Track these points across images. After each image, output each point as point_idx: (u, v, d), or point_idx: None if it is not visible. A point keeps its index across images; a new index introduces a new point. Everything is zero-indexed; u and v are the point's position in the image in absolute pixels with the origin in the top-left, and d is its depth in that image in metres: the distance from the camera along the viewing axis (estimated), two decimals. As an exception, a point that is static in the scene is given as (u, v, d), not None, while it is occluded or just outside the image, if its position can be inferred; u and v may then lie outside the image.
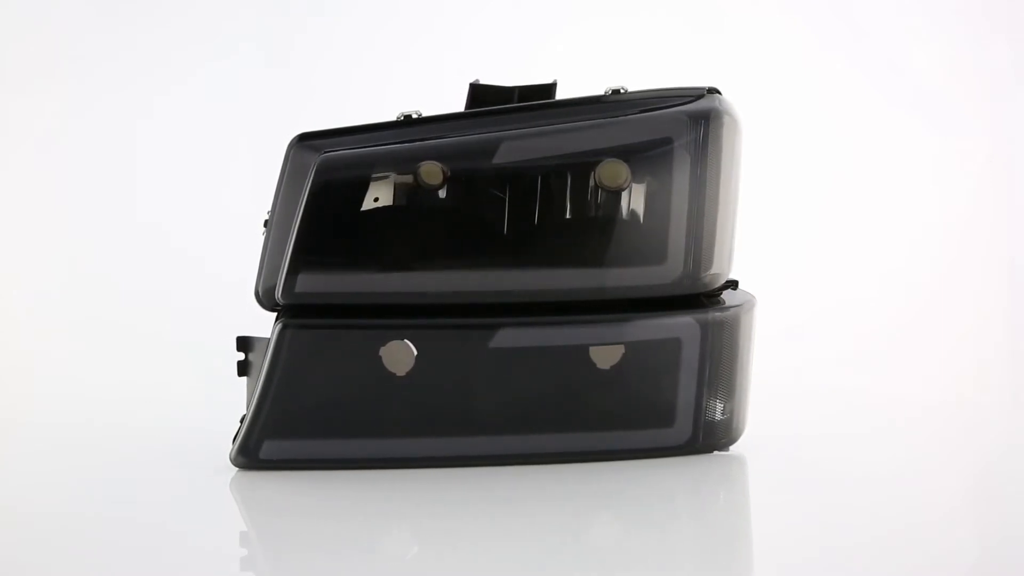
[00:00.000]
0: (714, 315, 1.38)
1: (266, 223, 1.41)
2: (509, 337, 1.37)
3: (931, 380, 2.41)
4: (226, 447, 1.41)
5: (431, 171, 1.37)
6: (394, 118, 1.41)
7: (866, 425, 1.73)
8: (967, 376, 2.45)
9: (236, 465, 1.39)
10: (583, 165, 1.37)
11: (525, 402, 1.38)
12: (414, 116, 1.40)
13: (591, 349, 1.37)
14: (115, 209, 2.53)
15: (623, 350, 1.37)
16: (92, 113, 2.54)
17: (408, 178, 1.38)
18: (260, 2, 2.66)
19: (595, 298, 1.37)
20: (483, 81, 1.47)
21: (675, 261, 1.36)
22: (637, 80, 1.44)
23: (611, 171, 1.36)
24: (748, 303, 1.44)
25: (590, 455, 1.38)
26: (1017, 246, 2.48)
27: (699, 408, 1.38)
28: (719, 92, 1.41)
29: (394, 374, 1.37)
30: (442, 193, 1.38)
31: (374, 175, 1.37)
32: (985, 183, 2.49)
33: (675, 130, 1.37)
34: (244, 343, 1.46)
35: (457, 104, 1.47)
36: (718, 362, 1.38)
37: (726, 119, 1.38)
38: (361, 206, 1.38)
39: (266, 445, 1.38)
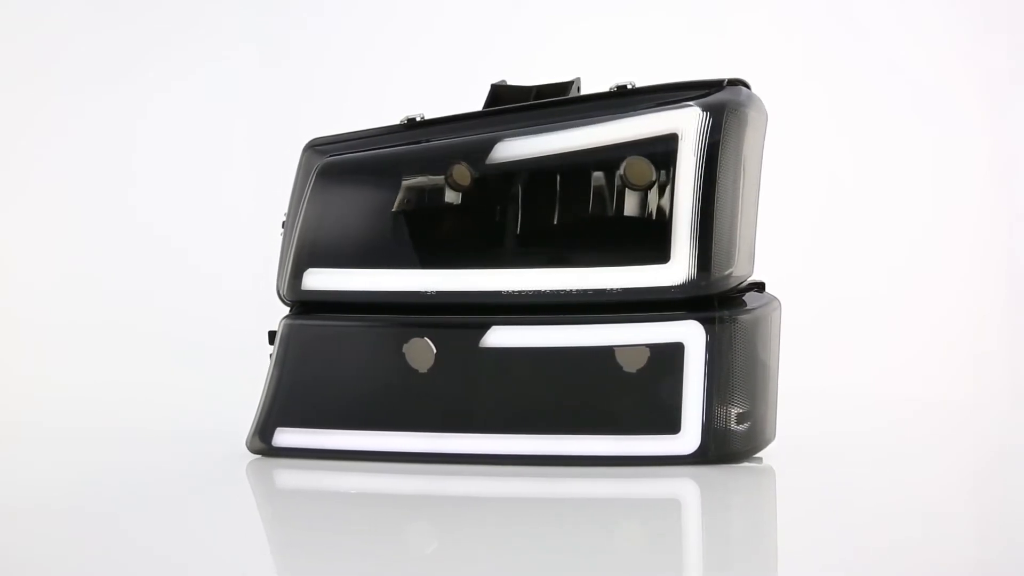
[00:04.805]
0: (723, 319, 1.33)
1: (283, 224, 1.46)
2: (501, 337, 1.37)
3: (930, 380, 2.42)
4: (242, 435, 1.47)
5: (462, 173, 1.38)
6: (397, 121, 1.43)
7: (868, 425, 1.73)
8: (966, 376, 2.46)
9: (252, 451, 1.45)
10: (587, 163, 1.36)
11: (523, 404, 1.37)
12: (418, 119, 1.42)
13: (617, 351, 1.35)
14: (113, 209, 2.52)
15: (649, 353, 1.34)
16: (90, 112, 2.54)
17: (420, 180, 1.40)
18: (260, 2, 2.66)
19: (597, 300, 1.35)
20: (509, 82, 1.46)
21: (681, 262, 1.33)
22: (648, 79, 1.41)
23: (637, 169, 1.34)
24: (769, 306, 1.39)
25: (594, 460, 1.35)
26: (1017, 246, 2.48)
27: (709, 416, 1.33)
28: (743, 84, 1.35)
29: (416, 371, 1.38)
30: (448, 195, 1.39)
31: (403, 179, 1.41)
32: (985, 183, 2.49)
33: (682, 125, 1.33)
34: (274, 337, 1.49)
35: (459, 105, 1.47)
36: (731, 368, 1.33)
37: (743, 112, 1.33)
38: (357, 208, 1.43)
39: (279, 433, 1.43)
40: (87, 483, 1.39)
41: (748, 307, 1.36)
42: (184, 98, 2.59)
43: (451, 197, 1.40)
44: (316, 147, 1.45)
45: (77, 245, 2.50)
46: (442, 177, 1.40)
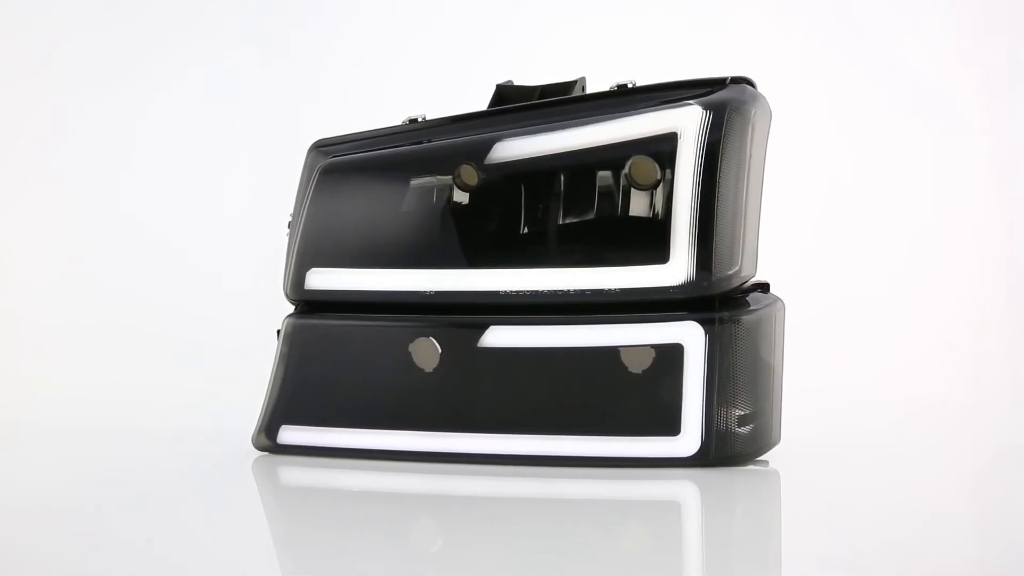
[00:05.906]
0: (723, 319, 1.32)
1: (290, 224, 1.47)
2: (499, 337, 1.37)
3: (930, 380, 2.42)
4: (244, 435, 1.49)
5: (470, 173, 1.39)
6: (400, 122, 1.44)
7: (868, 425, 1.73)
8: (966, 376, 2.46)
9: (257, 448, 1.47)
10: (587, 163, 1.35)
11: (523, 404, 1.37)
12: (419, 120, 1.42)
13: (622, 351, 1.34)
14: (113, 209, 2.52)
15: (654, 353, 1.33)
16: (90, 112, 2.54)
17: (427, 180, 1.41)
18: (260, 2, 2.66)
19: (596, 300, 1.34)
20: (516, 82, 1.46)
21: (681, 262, 1.31)
22: (648, 79, 1.41)
23: (642, 169, 1.33)
24: (772, 307, 1.37)
25: (594, 461, 1.34)
26: (1017, 246, 2.48)
27: (710, 418, 1.31)
28: (747, 82, 1.34)
29: (421, 370, 1.39)
30: (456, 195, 1.40)
31: (411, 180, 1.42)
32: (985, 183, 2.49)
33: (682, 124, 1.31)
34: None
35: (460, 105, 1.48)
36: (732, 370, 1.32)
37: (746, 111, 1.31)
38: (357, 208, 1.43)
39: (284, 431, 1.45)
40: (87, 483, 1.39)
41: (750, 308, 1.35)
42: (184, 98, 2.59)
43: (459, 197, 1.40)
44: (320, 148, 1.46)
45: (77, 245, 2.50)
46: (450, 177, 1.40)
